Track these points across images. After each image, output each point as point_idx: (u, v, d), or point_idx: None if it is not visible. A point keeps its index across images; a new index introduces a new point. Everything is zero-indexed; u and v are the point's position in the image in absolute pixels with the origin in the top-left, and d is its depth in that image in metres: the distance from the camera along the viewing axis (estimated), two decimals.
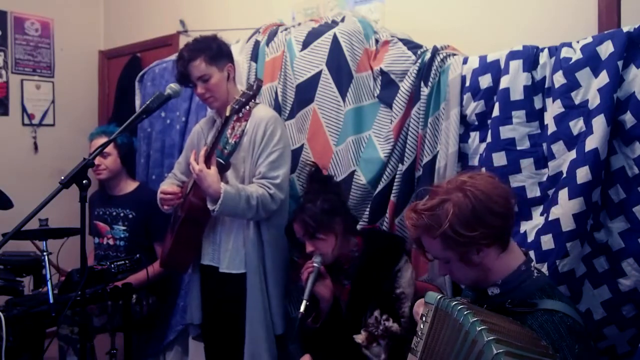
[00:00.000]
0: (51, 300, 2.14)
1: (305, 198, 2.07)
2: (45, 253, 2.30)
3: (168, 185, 2.35)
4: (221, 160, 2.10)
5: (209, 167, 2.05)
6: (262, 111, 2.21)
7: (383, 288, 1.86)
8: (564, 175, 1.76)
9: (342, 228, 1.96)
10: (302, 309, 1.84)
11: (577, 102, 1.76)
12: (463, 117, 2.04)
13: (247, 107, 2.14)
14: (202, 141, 2.33)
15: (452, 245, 1.29)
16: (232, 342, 2.21)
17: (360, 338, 1.80)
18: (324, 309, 1.95)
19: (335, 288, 1.97)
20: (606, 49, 1.70)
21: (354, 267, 1.98)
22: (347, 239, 1.98)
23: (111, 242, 2.81)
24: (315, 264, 1.92)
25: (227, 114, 2.05)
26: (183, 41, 3.44)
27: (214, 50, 2.17)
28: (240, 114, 2.14)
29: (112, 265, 2.24)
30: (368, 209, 2.24)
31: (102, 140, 2.68)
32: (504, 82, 1.90)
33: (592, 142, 1.68)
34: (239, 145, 2.16)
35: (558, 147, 1.79)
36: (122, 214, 2.80)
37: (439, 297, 1.25)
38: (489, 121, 1.96)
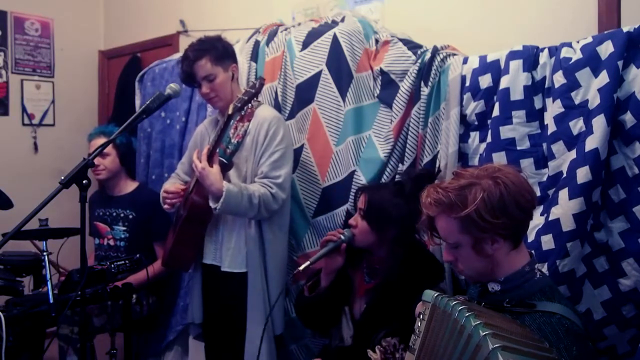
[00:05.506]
0: (51, 300, 2.14)
1: (396, 184, 1.98)
2: (45, 253, 2.30)
3: (171, 184, 2.35)
4: (224, 160, 2.11)
5: (211, 166, 2.05)
6: (265, 111, 2.22)
7: (409, 316, 1.73)
8: (564, 175, 1.76)
9: (391, 238, 1.85)
10: (301, 267, 1.82)
11: (577, 102, 1.76)
12: (463, 117, 2.04)
13: (250, 105, 2.14)
14: (205, 141, 2.33)
15: (471, 229, 1.29)
16: (233, 341, 2.21)
17: (375, 358, 1.68)
18: (322, 281, 1.94)
19: (354, 275, 1.95)
20: (606, 49, 1.69)
21: (385, 270, 1.87)
22: (389, 247, 1.87)
23: (111, 242, 2.81)
24: (341, 237, 1.87)
25: (230, 112, 2.05)
26: (183, 41, 3.44)
27: (220, 50, 2.17)
28: (243, 113, 2.15)
29: (112, 265, 2.23)
30: None
31: (101, 140, 2.68)
32: (504, 82, 1.90)
33: (592, 142, 1.68)
34: (242, 145, 2.16)
35: (558, 147, 1.79)
36: (122, 215, 2.80)
37: (435, 295, 1.24)
38: (489, 121, 1.95)
